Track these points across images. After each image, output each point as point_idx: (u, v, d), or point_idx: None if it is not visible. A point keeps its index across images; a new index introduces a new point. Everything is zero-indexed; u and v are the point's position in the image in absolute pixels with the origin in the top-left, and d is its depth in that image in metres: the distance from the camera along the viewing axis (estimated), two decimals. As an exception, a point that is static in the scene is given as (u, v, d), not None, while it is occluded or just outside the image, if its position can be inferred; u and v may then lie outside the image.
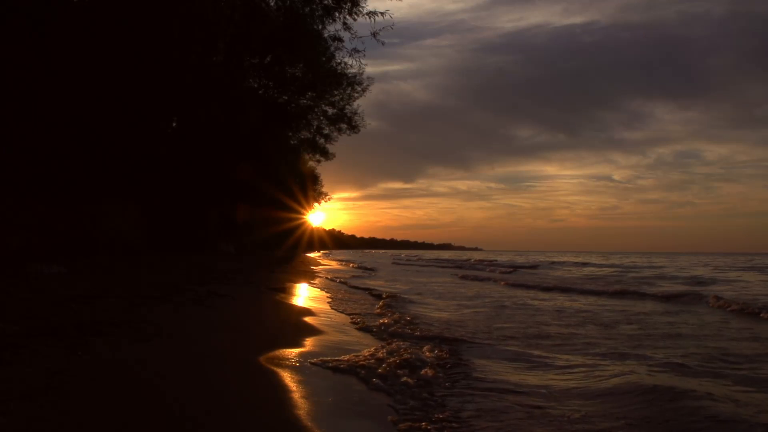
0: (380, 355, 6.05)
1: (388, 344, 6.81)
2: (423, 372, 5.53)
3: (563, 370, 6.08)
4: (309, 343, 6.75)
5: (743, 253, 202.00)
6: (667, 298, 16.42)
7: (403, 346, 6.60)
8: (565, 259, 69.79)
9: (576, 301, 15.22)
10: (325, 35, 21.68)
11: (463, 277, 26.59)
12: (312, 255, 64.14)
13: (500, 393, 5.02)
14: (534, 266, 44.89)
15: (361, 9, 20.36)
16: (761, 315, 11.76)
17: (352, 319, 9.58)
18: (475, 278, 26.31)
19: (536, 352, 7.06)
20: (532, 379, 5.63)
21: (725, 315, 12.28)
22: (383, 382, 5.05)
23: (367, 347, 6.69)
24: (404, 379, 5.23)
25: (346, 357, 5.95)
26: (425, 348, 6.66)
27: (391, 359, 5.78)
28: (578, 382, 5.53)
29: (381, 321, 9.07)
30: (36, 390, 3.71)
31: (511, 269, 37.30)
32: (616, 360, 6.74)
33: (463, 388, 5.15)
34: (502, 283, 22.93)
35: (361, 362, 5.67)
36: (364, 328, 8.50)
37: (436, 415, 4.28)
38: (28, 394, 3.61)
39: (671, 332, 9.32)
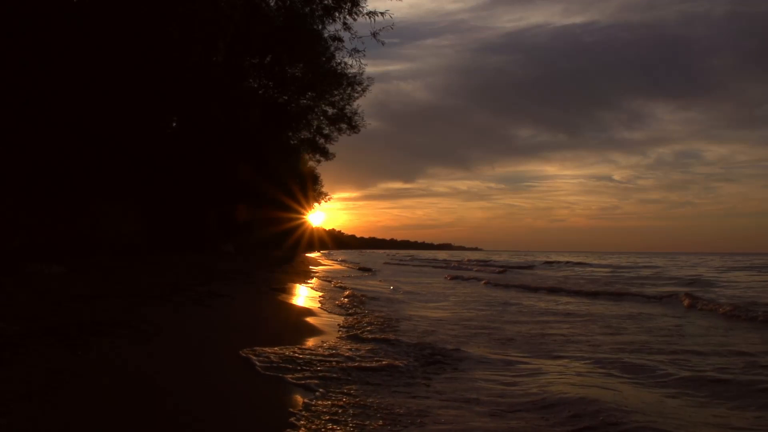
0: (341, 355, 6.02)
1: (368, 348, 6.80)
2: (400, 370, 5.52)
3: (505, 374, 5.82)
4: (310, 344, 6.74)
5: (743, 253, 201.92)
6: (652, 298, 16.33)
7: (376, 350, 6.60)
8: (563, 259, 69.88)
9: (554, 302, 15.02)
10: (325, 35, 21.65)
11: (452, 278, 26.76)
12: (312, 255, 64.12)
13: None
14: (528, 266, 45.12)
15: (361, 9, 20.34)
16: (733, 315, 11.77)
17: (347, 320, 9.54)
18: (460, 278, 26.62)
19: (497, 356, 6.78)
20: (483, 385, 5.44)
21: (698, 316, 12.18)
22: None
23: (355, 349, 6.69)
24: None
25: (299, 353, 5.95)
26: (402, 352, 6.62)
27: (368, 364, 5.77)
28: (512, 389, 5.27)
29: (369, 323, 9.00)
30: (36, 390, 3.70)
31: (503, 269, 37.30)
32: (570, 363, 6.54)
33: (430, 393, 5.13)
34: (483, 282, 23.41)
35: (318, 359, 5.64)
36: (351, 329, 8.47)
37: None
38: (28, 394, 3.61)
39: (625, 338, 8.75)
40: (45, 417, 3.32)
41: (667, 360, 6.86)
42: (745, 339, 8.85)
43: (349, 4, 20.13)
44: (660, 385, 5.56)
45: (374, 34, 20.91)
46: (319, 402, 4.31)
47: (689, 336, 9.15)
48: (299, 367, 5.33)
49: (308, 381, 4.90)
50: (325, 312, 10.38)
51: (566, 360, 6.68)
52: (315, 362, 5.60)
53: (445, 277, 27.17)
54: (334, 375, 5.21)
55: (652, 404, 4.80)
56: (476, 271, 35.36)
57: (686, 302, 14.21)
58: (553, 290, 19.28)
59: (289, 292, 13.91)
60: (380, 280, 22.75)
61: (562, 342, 8.20)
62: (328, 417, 3.99)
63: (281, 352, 5.90)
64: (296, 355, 5.85)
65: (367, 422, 3.97)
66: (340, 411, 4.15)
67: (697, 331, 9.70)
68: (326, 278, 21.52)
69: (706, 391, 5.37)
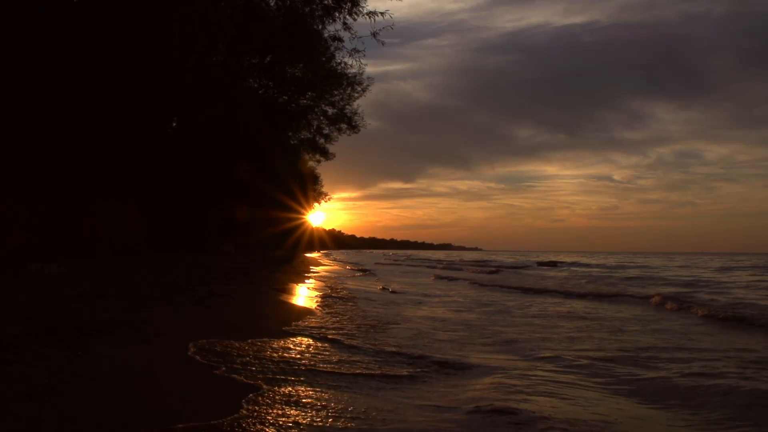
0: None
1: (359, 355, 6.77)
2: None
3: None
4: (303, 342, 6.75)
5: (743, 253, 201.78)
6: (642, 300, 16.30)
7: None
8: (562, 259, 70.16)
9: (539, 303, 15.01)
10: (325, 35, 21.66)
11: (443, 278, 26.93)
12: (312, 255, 64.09)
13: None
14: (522, 267, 45.54)
15: (361, 9, 20.33)
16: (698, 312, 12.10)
17: (337, 320, 9.49)
18: (450, 278, 26.77)
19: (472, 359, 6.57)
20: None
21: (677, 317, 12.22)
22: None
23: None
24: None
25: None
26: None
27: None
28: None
29: (352, 323, 8.97)
30: (36, 390, 3.70)
31: (495, 270, 37.33)
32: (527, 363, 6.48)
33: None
34: (469, 282, 23.69)
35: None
36: (338, 331, 8.47)
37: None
38: (28, 394, 3.61)
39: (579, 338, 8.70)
40: (45, 417, 3.32)
41: (658, 365, 6.85)
42: (747, 342, 8.83)
43: (349, 4, 20.13)
44: (636, 392, 5.39)
45: (374, 34, 20.92)
46: (271, 397, 4.25)
47: (693, 338, 9.10)
48: (284, 366, 5.31)
49: (263, 378, 4.81)
50: (321, 312, 10.38)
51: (541, 362, 6.61)
52: (296, 362, 5.57)
53: (431, 278, 27.08)
54: (309, 375, 5.14)
55: (623, 411, 4.71)
56: (469, 271, 35.59)
57: (669, 306, 14.05)
58: (539, 291, 19.30)
59: (288, 292, 13.93)
60: (375, 280, 22.90)
61: (524, 339, 8.22)
62: (280, 412, 3.92)
63: (263, 350, 5.90)
64: (284, 355, 5.86)
65: (313, 412, 3.94)
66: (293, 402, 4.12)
67: (701, 335, 9.66)
68: (324, 278, 21.57)
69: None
